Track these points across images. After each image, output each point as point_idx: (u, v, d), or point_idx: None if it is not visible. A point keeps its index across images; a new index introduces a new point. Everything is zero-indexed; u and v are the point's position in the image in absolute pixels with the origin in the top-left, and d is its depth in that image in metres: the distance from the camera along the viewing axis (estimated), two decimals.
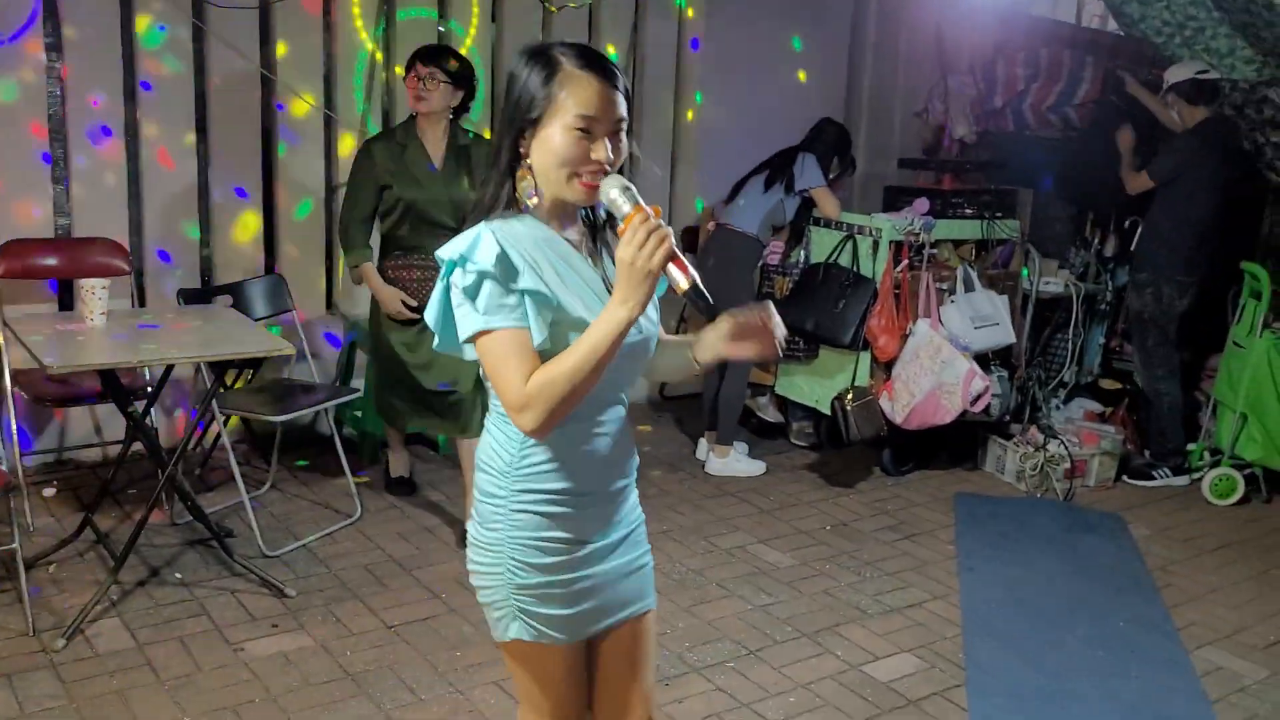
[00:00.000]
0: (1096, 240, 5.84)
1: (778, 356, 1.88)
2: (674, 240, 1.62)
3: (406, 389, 4.13)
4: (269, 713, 2.95)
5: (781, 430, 5.58)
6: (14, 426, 3.94)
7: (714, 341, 1.91)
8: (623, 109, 1.71)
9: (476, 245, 1.66)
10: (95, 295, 3.55)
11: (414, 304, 3.99)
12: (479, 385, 3.92)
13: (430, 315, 1.76)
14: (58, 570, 3.70)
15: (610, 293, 1.65)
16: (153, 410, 4.12)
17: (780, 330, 1.86)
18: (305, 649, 3.29)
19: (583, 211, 1.83)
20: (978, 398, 4.80)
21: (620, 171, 1.74)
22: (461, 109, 4.04)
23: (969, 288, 5.00)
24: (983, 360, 5.00)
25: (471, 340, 1.68)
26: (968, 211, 5.17)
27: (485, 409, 1.86)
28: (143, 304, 4.54)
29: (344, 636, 3.38)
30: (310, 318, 5.04)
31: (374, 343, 4.29)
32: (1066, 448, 4.96)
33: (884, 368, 4.91)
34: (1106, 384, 5.75)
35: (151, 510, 3.58)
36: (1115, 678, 3.39)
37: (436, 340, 1.78)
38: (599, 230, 1.85)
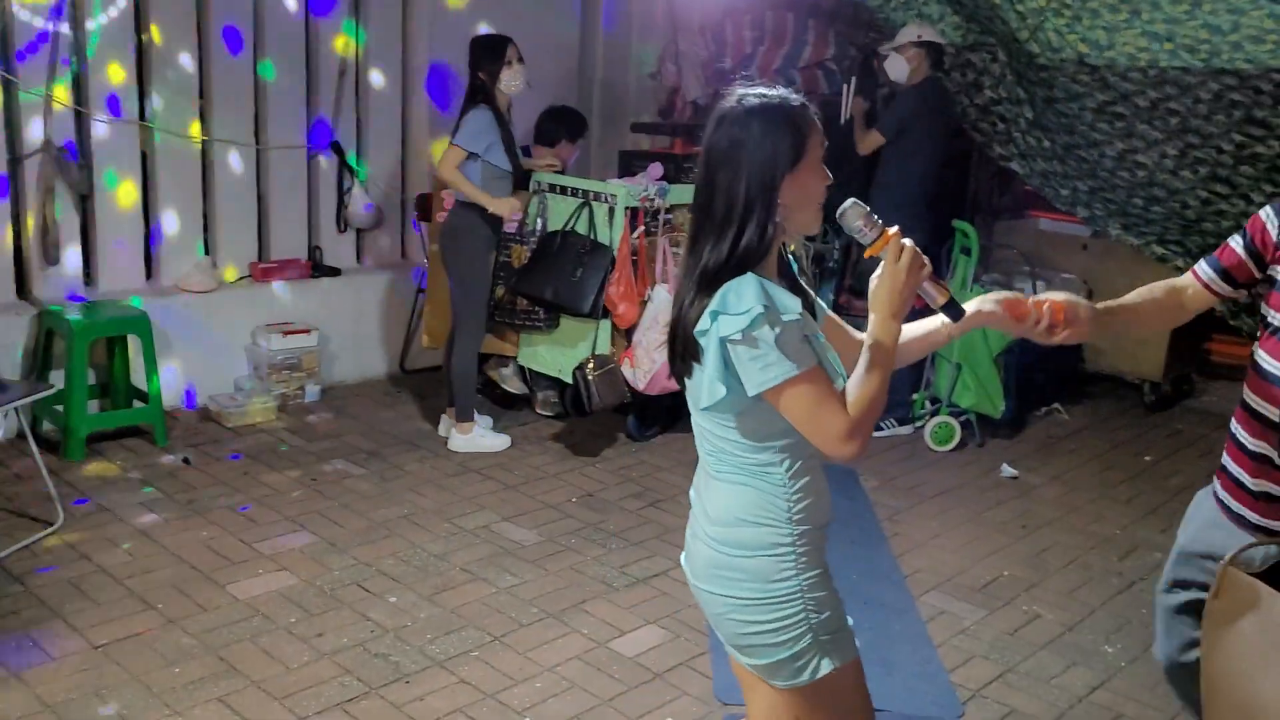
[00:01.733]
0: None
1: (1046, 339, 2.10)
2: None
3: None
4: None
5: (527, 401, 5.50)
6: None
7: (977, 318, 2.06)
8: None
9: (774, 295, 1.76)
10: None
11: None
12: None
13: (712, 371, 1.80)
14: None
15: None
16: None
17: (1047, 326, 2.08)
18: None
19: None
20: None
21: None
22: None
23: None
24: None
25: (775, 389, 1.74)
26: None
27: None
28: None
29: (43, 664, 3.05)
30: None
31: None
32: None
33: (624, 335, 4.90)
34: None
35: None
36: None
37: (706, 399, 1.82)
38: (790, 270, 1.96)
